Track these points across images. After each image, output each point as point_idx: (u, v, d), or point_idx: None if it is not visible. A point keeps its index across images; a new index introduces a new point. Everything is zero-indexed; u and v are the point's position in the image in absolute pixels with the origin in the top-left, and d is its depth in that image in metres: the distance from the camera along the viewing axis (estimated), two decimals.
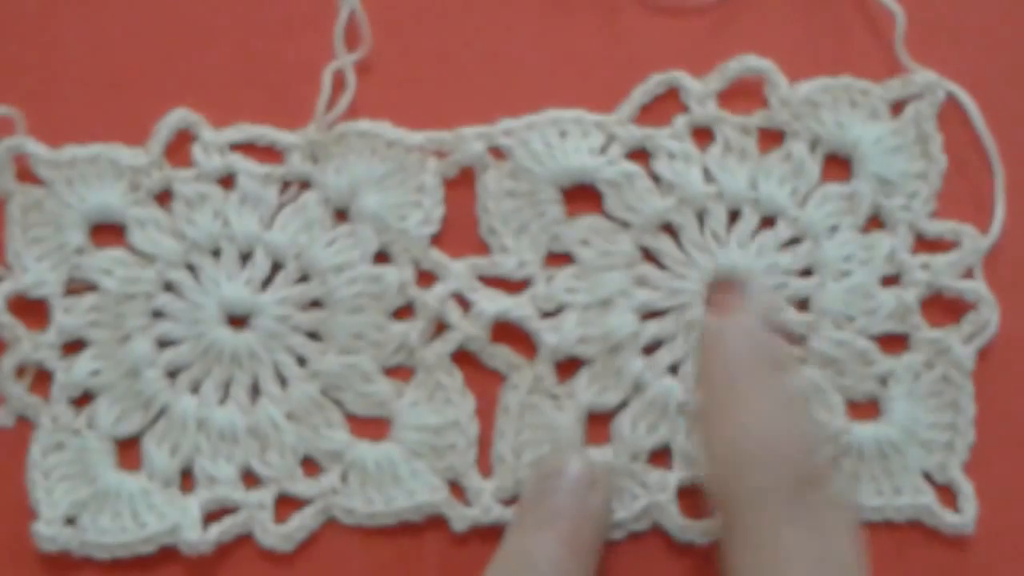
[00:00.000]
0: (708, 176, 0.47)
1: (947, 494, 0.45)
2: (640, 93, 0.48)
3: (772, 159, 0.47)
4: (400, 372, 0.47)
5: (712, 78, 0.48)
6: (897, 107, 0.48)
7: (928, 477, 0.45)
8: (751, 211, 0.47)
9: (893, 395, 0.45)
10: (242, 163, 0.48)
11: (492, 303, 0.46)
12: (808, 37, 0.49)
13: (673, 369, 0.46)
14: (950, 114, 0.48)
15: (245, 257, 0.47)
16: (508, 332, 0.46)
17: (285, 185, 0.48)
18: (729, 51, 0.48)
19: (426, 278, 0.47)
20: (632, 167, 0.47)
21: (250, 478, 0.46)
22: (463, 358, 0.46)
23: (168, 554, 0.45)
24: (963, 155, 0.47)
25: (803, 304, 0.46)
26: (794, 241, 0.46)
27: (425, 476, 0.46)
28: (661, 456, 0.46)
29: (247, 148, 0.48)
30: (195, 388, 0.47)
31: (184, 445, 0.46)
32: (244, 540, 0.46)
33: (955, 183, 0.47)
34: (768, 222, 0.47)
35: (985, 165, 0.47)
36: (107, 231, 0.48)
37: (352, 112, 0.48)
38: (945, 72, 0.48)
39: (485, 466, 0.46)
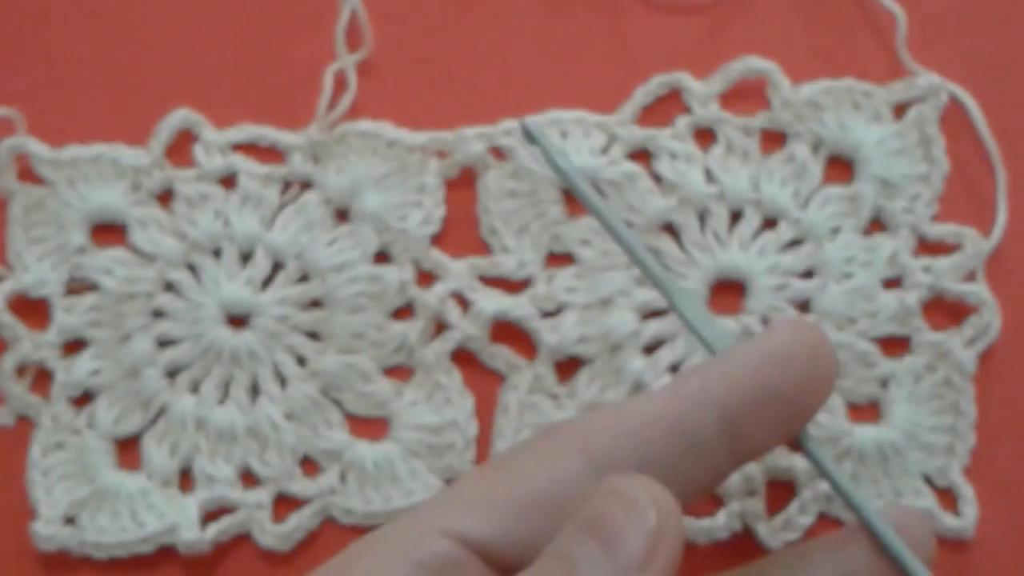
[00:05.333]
0: (710, 177, 0.47)
1: (947, 497, 0.45)
2: (642, 94, 0.48)
3: (774, 160, 0.47)
4: (399, 372, 0.47)
5: (714, 79, 0.48)
6: (900, 109, 0.48)
7: (928, 480, 0.45)
8: (753, 212, 0.46)
9: (894, 398, 0.45)
10: (243, 163, 0.48)
11: (491, 302, 0.46)
12: (811, 38, 0.49)
13: (674, 368, 0.46)
14: (953, 117, 0.48)
15: (246, 257, 0.47)
16: (508, 332, 0.46)
17: (286, 185, 0.48)
18: (731, 52, 0.48)
19: (426, 278, 0.47)
20: (633, 167, 0.47)
21: (249, 478, 0.46)
22: (463, 358, 0.46)
23: (166, 554, 0.45)
24: (965, 158, 0.47)
25: (804, 306, 0.46)
26: (796, 243, 0.46)
27: (423, 476, 0.45)
28: None
29: (248, 148, 0.48)
30: (195, 388, 0.47)
31: (183, 445, 0.46)
32: (242, 540, 0.46)
33: (957, 186, 0.47)
34: (770, 223, 0.47)
35: (987, 168, 0.47)
36: (108, 231, 0.48)
37: (353, 112, 0.48)
38: (947, 74, 0.48)
39: None
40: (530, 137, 0.44)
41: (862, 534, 0.39)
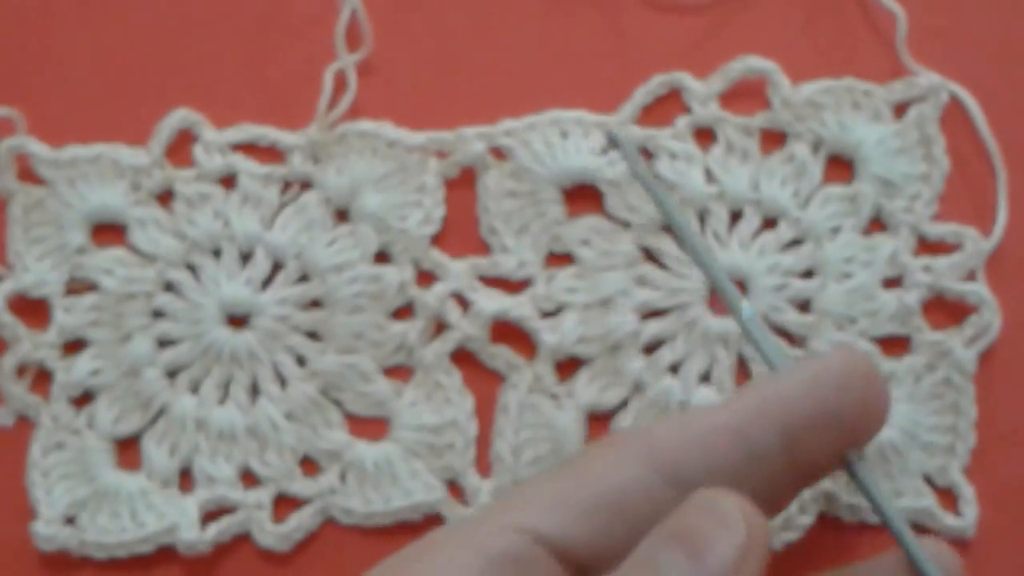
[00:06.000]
0: (710, 177, 0.47)
1: (948, 497, 0.45)
2: (642, 94, 0.48)
3: (774, 160, 0.47)
4: (399, 372, 0.47)
5: (714, 79, 0.48)
6: (900, 109, 0.48)
7: (929, 480, 0.45)
8: (753, 212, 0.46)
9: (894, 397, 0.45)
10: (243, 163, 0.48)
11: (491, 302, 0.46)
12: (811, 38, 0.48)
13: (673, 369, 0.46)
14: (953, 116, 0.48)
15: (245, 257, 0.47)
16: (508, 332, 0.46)
17: (286, 185, 0.48)
18: (732, 52, 0.48)
19: (426, 278, 0.47)
20: None
21: (249, 478, 0.46)
22: (462, 358, 0.46)
23: (166, 554, 0.45)
24: (966, 157, 0.47)
25: (804, 306, 0.46)
26: (796, 242, 0.46)
27: (423, 476, 0.45)
28: None
29: (248, 148, 0.48)
30: (195, 388, 0.47)
31: (183, 445, 0.46)
32: (242, 540, 0.46)
33: (958, 185, 0.47)
34: (770, 223, 0.47)
35: (988, 167, 0.47)
36: (108, 231, 0.48)
37: (353, 112, 0.48)
38: (948, 74, 0.48)
39: (484, 466, 0.46)
40: (614, 144, 0.44)
41: (901, 562, 0.39)
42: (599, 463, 0.37)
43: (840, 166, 0.47)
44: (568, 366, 0.46)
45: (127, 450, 0.47)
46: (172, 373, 0.47)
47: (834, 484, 0.44)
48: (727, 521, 0.34)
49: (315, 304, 0.47)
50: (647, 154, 0.47)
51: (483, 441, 0.46)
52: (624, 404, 0.46)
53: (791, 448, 0.37)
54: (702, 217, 0.46)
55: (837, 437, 0.38)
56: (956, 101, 0.48)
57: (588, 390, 0.46)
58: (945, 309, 0.46)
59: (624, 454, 0.37)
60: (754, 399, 0.38)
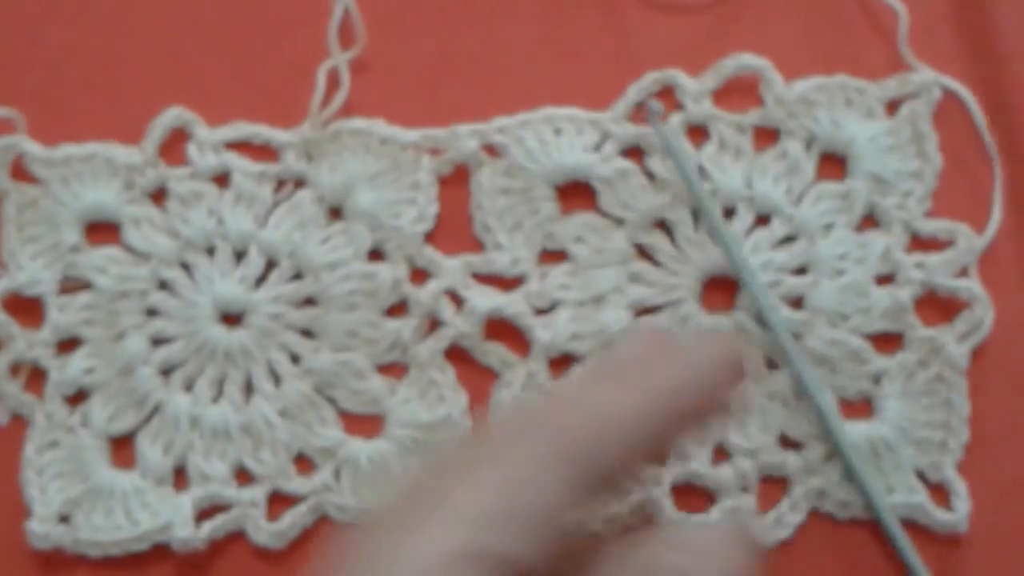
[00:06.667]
0: (703, 174, 0.47)
1: (940, 493, 0.45)
2: (635, 91, 0.48)
3: (767, 157, 0.47)
4: (393, 369, 0.47)
5: (707, 76, 0.48)
6: (893, 106, 0.48)
7: (921, 476, 0.45)
8: (746, 209, 0.47)
9: (887, 394, 0.45)
10: (237, 161, 0.48)
11: (485, 300, 0.46)
12: (812, 37, 0.48)
13: None
14: (950, 113, 0.48)
15: (239, 255, 0.47)
16: (501, 329, 0.46)
17: (279, 183, 0.48)
18: (726, 49, 0.48)
19: (419, 275, 0.47)
20: (626, 164, 0.47)
21: (243, 476, 0.46)
22: (456, 355, 0.46)
23: (161, 552, 0.45)
24: (961, 154, 0.47)
25: (797, 302, 0.46)
26: (789, 239, 0.46)
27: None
28: None
29: (242, 146, 0.48)
30: (189, 386, 0.47)
31: (177, 443, 0.46)
32: (236, 537, 0.46)
33: (951, 182, 0.47)
34: (763, 220, 0.47)
35: (982, 164, 0.47)
36: (102, 229, 0.48)
37: (346, 110, 0.48)
38: (949, 71, 0.47)
39: None
40: (652, 114, 0.44)
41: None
42: (519, 466, 0.35)
43: (833, 163, 0.47)
44: (561, 363, 0.46)
45: (121, 448, 0.47)
46: (166, 371, 0.47)
47: (826, 482, 0.45)
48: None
49: (309, 302, 0.47)
50: (639, 151, 0.47)
51: None
52: None
53: (677, 431, 0.37)
54: (695, 214, 0.46)
55: (713, 416, 0.39)
56: (953, 98, 0.48)
57: None
58: (938, 305, 0.46)
59: (541, 453, 0.35)
60: (657, 384, 0.36)
